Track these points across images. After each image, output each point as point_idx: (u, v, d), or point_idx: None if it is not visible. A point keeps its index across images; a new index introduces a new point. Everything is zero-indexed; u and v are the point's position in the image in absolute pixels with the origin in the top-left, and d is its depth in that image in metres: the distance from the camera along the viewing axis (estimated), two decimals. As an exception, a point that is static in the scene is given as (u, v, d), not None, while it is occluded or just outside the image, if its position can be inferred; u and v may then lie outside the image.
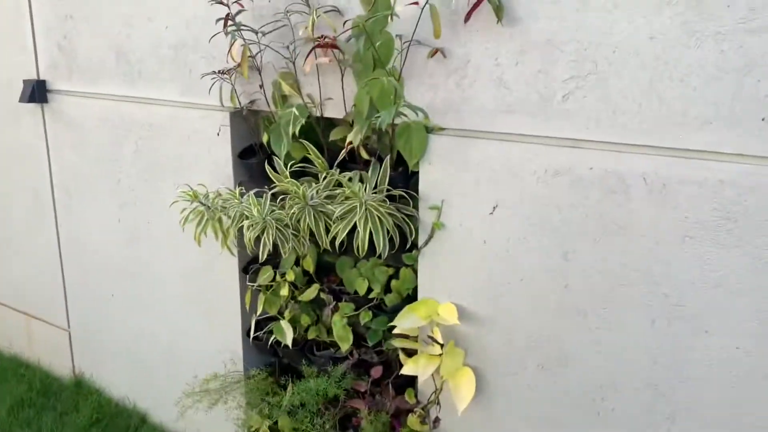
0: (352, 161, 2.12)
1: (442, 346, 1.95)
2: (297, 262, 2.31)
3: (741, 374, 1.60)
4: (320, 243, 2.06)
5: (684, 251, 1.61)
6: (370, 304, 2.17)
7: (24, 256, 3.36)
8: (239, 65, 2.09)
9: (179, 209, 2.25)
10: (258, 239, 2.06)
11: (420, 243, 2.02)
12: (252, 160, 2.36)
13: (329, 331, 2.31)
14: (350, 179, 2.03)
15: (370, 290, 2.16)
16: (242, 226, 2.10)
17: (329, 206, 2.01)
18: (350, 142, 2.07)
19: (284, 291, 2.24)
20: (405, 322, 2.01)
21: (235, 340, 2.58)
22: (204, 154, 2.46)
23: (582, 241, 1.74)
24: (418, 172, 1.99)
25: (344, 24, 1.98)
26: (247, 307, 2.42)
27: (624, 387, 1.77)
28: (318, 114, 2.14)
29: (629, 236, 1.67)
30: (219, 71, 2.22)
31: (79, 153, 2.90)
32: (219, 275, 2.55)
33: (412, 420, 2.09)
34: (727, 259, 1.56)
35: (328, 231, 2.03)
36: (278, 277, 2.29)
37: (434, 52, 1.84)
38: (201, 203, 2.21)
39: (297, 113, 2.09)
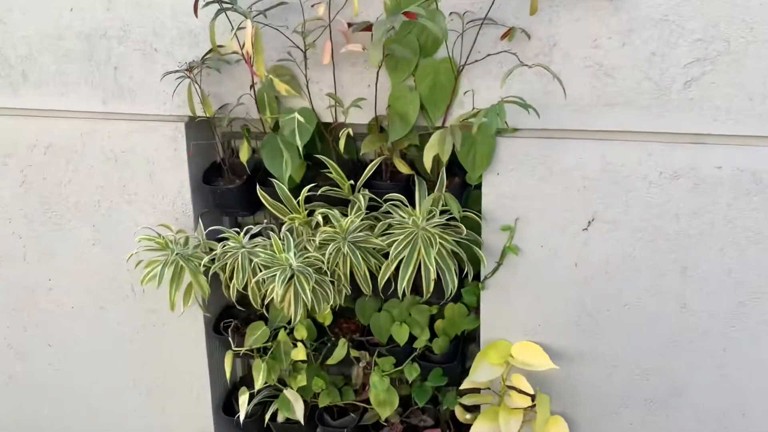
0: (377, 177, 1.65)
1: (533, 397, 1.58)
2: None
3: None
4: (364, 288, 1.57)
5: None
6: (413, 355, 1.73)
7: None
8: (247, 56, 1.47)
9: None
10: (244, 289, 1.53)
11: (484, 272, 1.63)
12: (222, 184, 1.77)
13: (356, 392, 1.82)
14: (392, 202, 1.57)
15: (410, 337, 1.72)
16: (245, 278, 1.54)
17: (374, 240, 1.53)
18: (384, 155, 1.61)
19: (299, 354, 1.70)
20: (480, 374, 1.61)
21: (203, 422, 1.97)
22: (143, 181, 1.81)
23: (705, 253, 1.48)
24: (477, 186, 1.59)
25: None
26: (227, 376, 1.83)
27: (754, 413, 1.55)
28: (332, 119, 1.63)
29: (766, 243, 1.44)
30: (187, 67, 1.61)
31: None
32: (173, 340, 1.92)
33: (480, 488, 1.71)
34: None
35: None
36: (283, 336, 1.74)
37: (506, 33, 1.44)
38: (179, 254, 1.59)
39: (301, 119, 1.57)
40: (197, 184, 1.80)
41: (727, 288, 1.49)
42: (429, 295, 1.54)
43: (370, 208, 1.61)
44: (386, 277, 1.53)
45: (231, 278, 1.59)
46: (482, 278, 1.63)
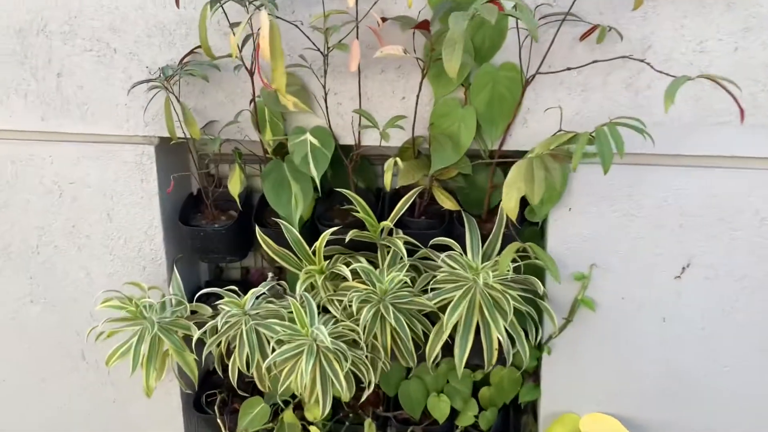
0: (409, 213, 1.30)
1: (614, 486, 1.27)
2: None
3: None
4: (406, 361, 1.22)
5: None
6: (454, 433, 1.39)
7: None
8: (258, 60, 1.08)
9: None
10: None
11: (548, 331, 1.30)
12: (204, 223, 1.37)
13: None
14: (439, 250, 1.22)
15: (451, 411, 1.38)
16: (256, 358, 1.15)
17: (421, 300, 1.17)
18: (423, 186, 1.26)
19: (314, 441, 1.33)
20: (551, 457, 1.29)
21: None
22: (98, 221, 1.39)
23: (828, 305, 1.21)
24: (531, 223, 1.27)
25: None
26: (215, 468, 1.44)
27: None
28: (354, 141, 1.26)
29: None
30: (161, 74, 1.21)
31: None
32: (140, 421, 1.51)
33: None
34: None
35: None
36: (289, 417, 1.36)
37: (589, 32, 1.12)
38: (158, 323, 1.18)
39: (316, 142, 1.21)
40: (170, 224, 1.40)
41: None
42: (491, 366, 1.20)
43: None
44: (437, 350, 1.18)
45: (228, 353, 1.21)
46: (545, 338, 1.30)
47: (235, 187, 1.30)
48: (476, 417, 1.37)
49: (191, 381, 1.35)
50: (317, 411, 1.36)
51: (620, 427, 1.29)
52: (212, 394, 1.47)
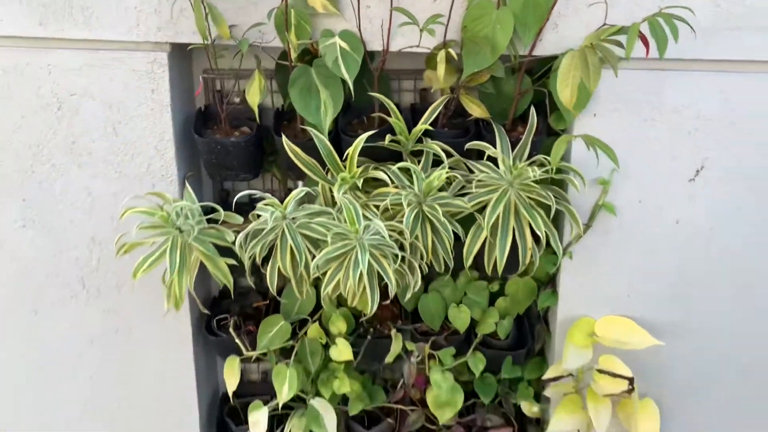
0: (432, 126, 1.29)
1: (631, 380, 1.33)
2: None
3: None
4: (440, 266, 1.22)
5: None
6: (474, 342, 1.41)
7: None
8: None
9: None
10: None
11: (566, 240, 1.34)
12: (218, 137, 1.31)
13: (387, 392, 1.47)
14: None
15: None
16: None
17: (458, 201, 1.18)
18: (452, 90, 1.26)
19: (342, 354, 1.31)
20: (571, 360, 1.33)
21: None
22: (103, 136, 1.31)
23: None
24: (559, 134, 1.29)
25: None
26: (230, 394, 1.39)
27: None
28: (382, 47, 1.24)
29: None
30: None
31: None
32: (145, 349, 1.45)
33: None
34: None
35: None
36: (317, 330, 1.34)
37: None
38: (177, 228, 1.13)
39: (345, 46, 1.18)
40: (182, 138, 1.33)
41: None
42: (501, 269, 1.22)
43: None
44: (475, 251, 1.20)
45: (264, 262, 1.17)
46: (566, 244, 1.34)
47: (254, 96, 1.26)
48: (495, 324, 1.40)
49: (204, 302, 1.31)
50: (342, 324, 1.35)
51: (635, 326, 1.36)
52: (223, 318, 1.43)
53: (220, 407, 1.57)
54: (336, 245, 1.09)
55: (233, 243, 1.19)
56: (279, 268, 1.15)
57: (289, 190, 1.40)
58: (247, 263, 1.20)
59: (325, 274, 1.15)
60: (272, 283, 1.19)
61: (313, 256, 1.14)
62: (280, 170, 1.43)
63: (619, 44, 1.08)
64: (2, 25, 1.24)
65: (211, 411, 1.56)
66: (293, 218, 1.13)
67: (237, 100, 1.40)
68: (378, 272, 1.12)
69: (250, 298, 1.52)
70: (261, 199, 1.19)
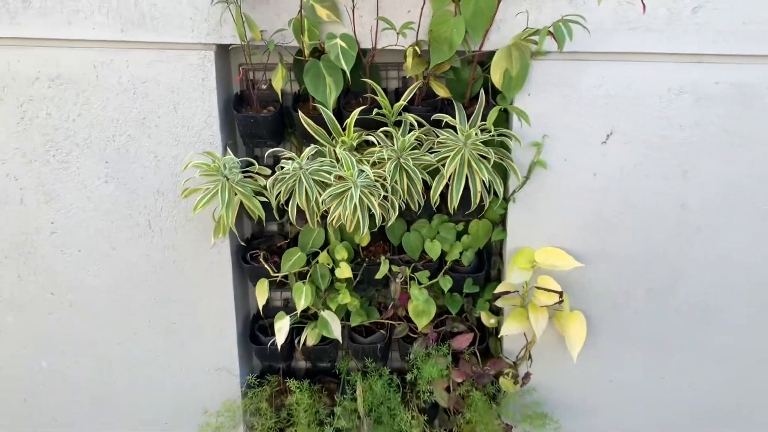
0: (410, 104, 1.75)
1: (560, 294, 1.78)
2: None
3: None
4: (413, 205, 1.68)
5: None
6: (444, 268, 1.86)
7: None
8: None
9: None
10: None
11: (512, 188, 1.79)
12: (256, 114, 1.77)
13: (380, 312, 1.93)
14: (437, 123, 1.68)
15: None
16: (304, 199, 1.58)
17: (426, 157, 1.63)
18: (424, 77, 1.70)
19: (344, 272, 1.77)
20: (514, 277, 1.78)
21: (225, 356, 1.98)
22: (166, 115, 1.77)
23: (703, 158, 1.74)
24: (504, 109, 1.74)
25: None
26: (260, 307, 1.86)
27: (735, 292, 1.86)
28: (371, 45, 1.69)
29: (754, 148, 1.72)
30: (228, -9, 1.59)
31: None
32: (195, 275, 1.91)
33: (505, 382, 1.89)
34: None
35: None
36: (326, 257, 1.80)
37: (542, -37, 1.59)
38: (225, 177, 1.59)
39: (344, 44, 1.63)
40: (224, 115, 1.79)
41: (722, 187, 1.76)
42: (476, 206, 1.67)
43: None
44: (439, 191, 1.65)
45: (287, 202, 1.63)
46: (511, 192, 1.79)
47: (278, 83, 1.71)
48: (460, 254, 1.85)
49: (242, 235, 1.76)
50: (344, 252, 1.81)
51: (564, 254, 1.80)
52: (254, 253, 1.89)
53: (251, 325, 2.03)
54: (336, 186, 1.54)
55: (264, 187, 1.64)
56: (297, 205, 1.61)
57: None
58: (273, 202, 1.65)
59: (329, 209, 1.61)
60: (292, 215, 1.65)
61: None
62: (297, 139, 1.88)
63: (534, 42, 1.52)
64: (94, 32, 1.70)
65: (245, 327, 2.03)
66: (307, 168, 1.59)
67: (264, 86, 1.85)
68: (367, 206, 1.58)
69: (274, 239, 1.98)
70: (283, 160, 1.64)
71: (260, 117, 1.75)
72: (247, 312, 2.07)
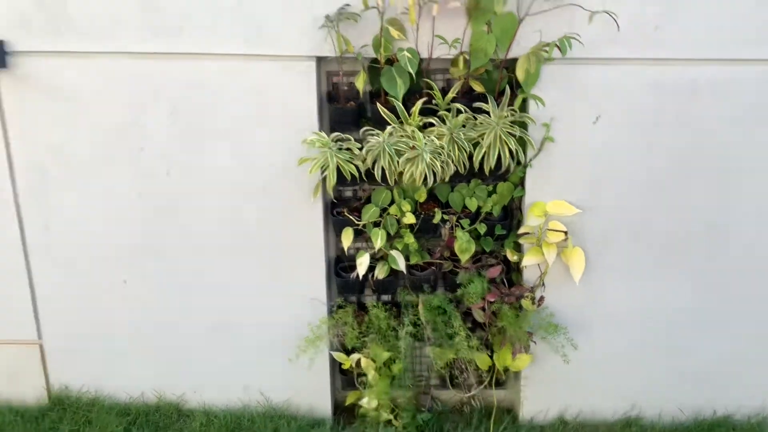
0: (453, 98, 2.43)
1: (566, 233, 2.46)
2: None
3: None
4: (460, 168, 2.36)
5: (735, 131, 2.43)
6: (480, 218, 2.54)
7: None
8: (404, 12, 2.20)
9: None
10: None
11: (529, 157, 2.47)
12: (344, 107, 2.44)
13: (430, 254, 2.60)
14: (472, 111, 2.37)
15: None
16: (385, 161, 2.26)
17: (470, 133, 2.32)
18: (464, 77, 2.39)
19: (410, 219, 2.44)
20: (531, 221, 2.47)
21: (316, 287, 2.63)
22: (278, 108, 2.44)
23: (661, 134, 2.44)
24: (525, 99, 2.42)
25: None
26: (345, 248, 2.52)
27: (690, 233, 2.55)
28: (427, 55, 2.37)
29: (697, 125, 2.42)
30: (333, 18, 2.27)
31: (69, 124, 2.47)
32: (294, 225, 2.56)
33: (526, 303, 2.57)
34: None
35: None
36: (395, 209, 2.47)
37: (548, -3, 2.29)
38: (330, 149, 2.27)
39: (410, 55, 2.32)
40: (320, 107, 2.46)
41: (676, 155, 2.46)
42: (489, 172, 2.36)
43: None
44: (480, 157, 2.33)
45: (372, 166, 2.31)
46: (528, 160, 2.47)
47: (360, 84, 2.39)
48: (491, 208, 2.53)
49: (327, 203, 2.43)
50: (408, 206, 2.48)
51: (568, 205, 2.48)
52: (339, 210, 2.56)
53: (336, 265, 2.69)
54: (411, 152, 2.22)
55: (353, 156, 2.32)
56: (382, 167, 2.28)
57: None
58: (362, 166, 2.33)
59: (403, 171, 2.29)
60: (378, 175, 2.32)
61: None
62: (370, 124, 2.55)
63: (545, 51, 2.21)
64: (229, 47, 2.37)
65: (330, 267, 2.68)
66: (389, 141, 2.26)
67: (345, 87, 2.53)
68: (431, 166, 2.25)
69: (350, 202, 2.65)
70: (368, 136, 2.32)
71: (348, 108, 2.43)
72: (333, 256, 2.72)
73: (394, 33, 2.32)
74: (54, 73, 2.43)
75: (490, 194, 2.55)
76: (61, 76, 2.43)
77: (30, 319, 2.71)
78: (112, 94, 2.44)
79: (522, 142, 2.42)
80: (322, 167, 2.31)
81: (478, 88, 2.42)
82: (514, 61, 2.37)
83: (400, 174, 2.34)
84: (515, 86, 2.40)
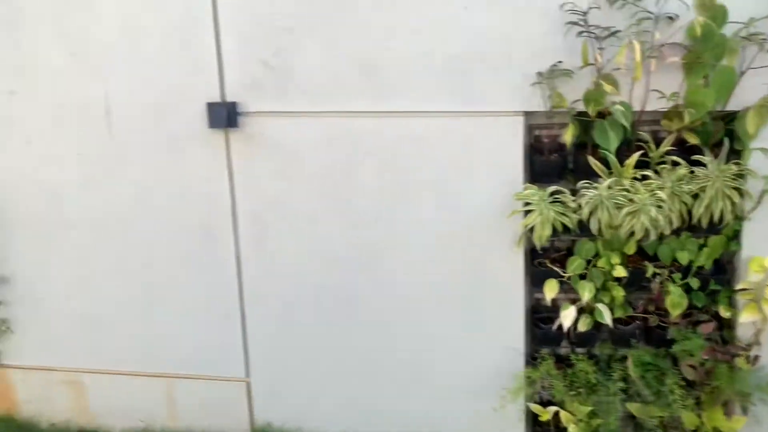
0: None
1: (792, 290, 2.34)
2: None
3: None
4: (679, 221, 2.32)
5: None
6: (691, 271, 2.47)
7: (171, 303, 2.92)
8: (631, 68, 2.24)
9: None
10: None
11: (747, 210, 2.38)
12: (548, 158, 2.48)
13: (633, 308, 2.55)
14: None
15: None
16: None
17: (689, 186, 2.28)
18: (678, 129, 2.36)
19: (620, 272, 2.42)
20: (751, 278, 2.37)
21: (514, 335, 2.65)
22: (483, 161, 2.51)
23: None
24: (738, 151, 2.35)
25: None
26: (548, 299, 2.53)
27: None
28: (641, 108, 2.37)
29: None
30: (546, 76, 2.33)
31: (288, 178, 2.67)
32: (493, 275, 2.60)
33: (741, 361, 2.45)
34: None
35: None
36: (604, 262, 2.46)
37: (774, 45, 2.23)
38: (544, 201, 2.31)
39: (623, 109, 2.32)
40: (524, 159, 2.51)
41: None
42: (706, 224, 2.29)
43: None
44: (700, 212, 2.28)
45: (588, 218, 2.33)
46: (746, 213, 2.39)
47: (569, 137, 2.42)
48: (704, 262, 2.45)
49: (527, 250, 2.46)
50: (617, 258, 2.45)
51: (798, 260, 2.37)
52: (542, 259, 2.57)
53: (531, 316, 2.70)
54: (631, 206, 2.21)
55: (567, 210, 2.34)
56: (598, 219, 2.29)
57: (575, 189, 2.54)
58: (576, 219, 2.34)
59: (620, 224, 2.28)
60: (594, 228, 2.32)
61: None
62: (572, 176, 2.57)
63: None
64: (440, 104, 2.48)
65: (527, 315, 2.69)
66: (606, 194, 2.27)
67: (547, 139, 2.56)
68: (654, 220, 2.23)
69: (549, 252, 2.66)
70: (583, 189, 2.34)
71: (552, 160, 2.46)
72: (530, 305, 2.74)
73: (608, 88, 2.33)
74: (277, 131, 2.64)
75: (701, 247, 2.48)
76: (284, 133, 2.63)
77: (240, 357, 2.91)
78: (328, 149, 2.62)
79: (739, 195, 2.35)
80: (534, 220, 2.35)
81: (693, 140, 2.37)
82: (730, 113, 2.31)
83: (614, 226, 2.33)
84: (732, 138, 2.34)
